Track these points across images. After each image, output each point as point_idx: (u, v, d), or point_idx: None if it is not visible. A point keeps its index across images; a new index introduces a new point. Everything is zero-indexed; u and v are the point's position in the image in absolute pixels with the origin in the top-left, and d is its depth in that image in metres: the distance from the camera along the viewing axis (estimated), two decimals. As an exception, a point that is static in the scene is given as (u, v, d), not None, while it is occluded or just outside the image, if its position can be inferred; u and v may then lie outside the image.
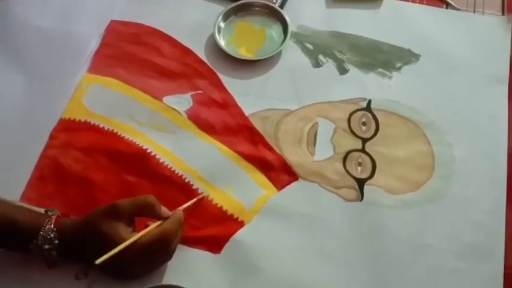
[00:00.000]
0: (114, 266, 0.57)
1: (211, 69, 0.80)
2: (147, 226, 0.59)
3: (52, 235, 0.58)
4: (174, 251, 0.61)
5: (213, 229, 0.66)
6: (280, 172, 0.71)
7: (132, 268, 0.59)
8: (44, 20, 0.85)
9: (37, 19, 0.85)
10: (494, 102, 0.76)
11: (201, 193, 0.69)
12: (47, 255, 0.59)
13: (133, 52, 0.82)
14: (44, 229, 0.58)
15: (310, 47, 0.82)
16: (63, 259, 0.60)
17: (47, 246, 0.58)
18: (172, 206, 0.68)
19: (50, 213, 0.61)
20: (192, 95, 0.78)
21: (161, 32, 0.84)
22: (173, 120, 0.75)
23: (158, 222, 0.60)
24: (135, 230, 0.59)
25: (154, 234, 0.58)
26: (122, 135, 0.74)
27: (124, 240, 0.56)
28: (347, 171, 0.71)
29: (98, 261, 0.54)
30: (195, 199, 0.68)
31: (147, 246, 0.57)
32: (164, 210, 0.61)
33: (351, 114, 0.75)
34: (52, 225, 0.59)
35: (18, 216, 0.59)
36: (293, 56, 0.81)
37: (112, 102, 0.77)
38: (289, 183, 0.70)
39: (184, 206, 0.65)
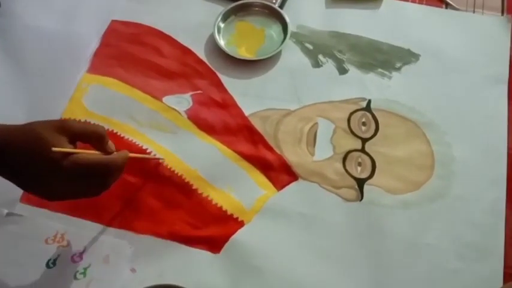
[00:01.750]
0: (45, 174, 0.53)
1: (211, 69, 0.80)
2: None
3: None
4: (107, 187, 0.57)
5: (213, 229, 0.67)
6: (280, 172, 0.71)
7: (62, 183, 0.54)
8: (44, 20, 0.84)
9: (37, 19, 0.85)
10: (494, 102, 0.76)
11: (159, 158, 0.71)
12: None
13: (133, 52, 0.82)
14: None
15: (310, 47, 0.82)
16: None
17: None
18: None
19: None
20: (191, 95, 0.78)
21: (161, 32, 0.84)
22: (173, 120, 0.75)
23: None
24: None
25: (99, 158, 0.55)
26: (121, 135, 0.74)
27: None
28: (347, 171, 0.71)
29: (54, 149, 0.51)
30: (149, 156, 0.69)
31: (88, 164, 0.54)
32: (111, 145, 0.58)
33: (351, 114, 0.75)
34: None
35: None
36: (293, 56, 0.81)
37: (112, 102, 0.77)
38: (289, 183, 0.70)
39: (134, 155, 0.63)
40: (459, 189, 0.69)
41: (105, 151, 0.57)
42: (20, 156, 0.53)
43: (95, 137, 0.57)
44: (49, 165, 0.52)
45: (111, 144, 0.58)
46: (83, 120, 0.75)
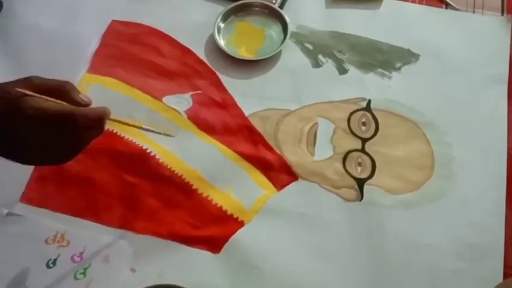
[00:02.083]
0: (9, 121, 0.50)
1: (211, 69, 0.80)
2: None
3: None
4: (82, 144, 0.54)
5: (213, 229, 0.67)
6: (280, 172, 0.71)
7: (27, 132, 0.51)
8: (45, 20, 0.85)
9: (38, 19, 0.85)
10: (494, 102, 0.76)
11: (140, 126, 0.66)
12: None
13: (133, 52, 0.82)
14: None
15: (310, 47, 0.82)
16: None
17: None
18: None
19: None
20: (191, 95, 0.78)
21: (161, 32, 0.84)
22: (173, 120, 0.75)
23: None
24: None
25: (62, 106, 0.51)
26: (121, 135, 0.74)
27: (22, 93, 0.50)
28: (347, 171, 0.71)
29: (18, 88, 0.49)
30: (129, 123, 0.61)
31: (47, 109, 0.50)
32: (84, 97, 0.54)
33: (351, 114, 0.75)
34: None
35: None
36: (293, 56, 0.81)
37: (112, 102, 0.75)
38: (289, 183, 0.70)
39: (117, 118, 0.58)
40: (459, 189, 0.69)
41: (77, 103, 0.53)
42: None
43: (62, 89, 0.53)
44: (10, 108, 0.50)
45: (84, 96, 0.54)
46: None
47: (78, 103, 0.53)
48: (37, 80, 0.53)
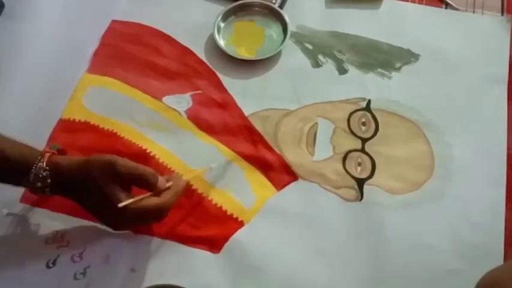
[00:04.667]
0: (106, 215, 0.59)
1: (211, 69, 0.80)
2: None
3: (44, 174, 0.58)
4: (165, 217, 0.61)
5: (213, 229, 0.67)
6: (279, 172, 0.71)
7: (123, 224, 0.60)
8: (45, 20, 0.85)
9: (38, 19, 0.85)
10: (494, 102, 0.76)
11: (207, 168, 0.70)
12: (39, 191, 0.59)
13: (133, 52, 0.82)
14: (35, 167, 0.58)
15: (310, 47, 0.82)
16: (58, 195, 0.61)
17: (39, 184, 0.58)
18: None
19: (52, 149, 0.62)
20: (191, 95, 0.78)
21: (161, 32, 0.84)
22: (173, 120, 0.75)
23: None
24: (131, 193, 0.59)
25: (152, 205, 0.58)
26: (121, 136, 0.74)
27: (118, 201, 0.56)
28: (347, 171, 0.71)
29: (120, 205, 0.56)
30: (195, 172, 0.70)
31: (141, 212, 0.57)
32: (162, 182, 0.60)
33: (351, 114, 0.75)
34: (44, 164, 0.58)
35: (10, 151, 0.59)
36: (293, 56, 0.81)
37: (112, 102, 0.77)
38: (288, 183, 0.70)
39: (186, 179, 0.64)
40: (459, 189, 0.69)
41: (157, 192, 0.59)
42: (82, 198, 0.59)
43: (142, 181, 0.59)
44: (111, 214, 0.57)
45: (162, 180, 0.60)
46: (82, 120, 0.75)
47: (157, 192, 0.59)
48: (123, 168, 0.57)
